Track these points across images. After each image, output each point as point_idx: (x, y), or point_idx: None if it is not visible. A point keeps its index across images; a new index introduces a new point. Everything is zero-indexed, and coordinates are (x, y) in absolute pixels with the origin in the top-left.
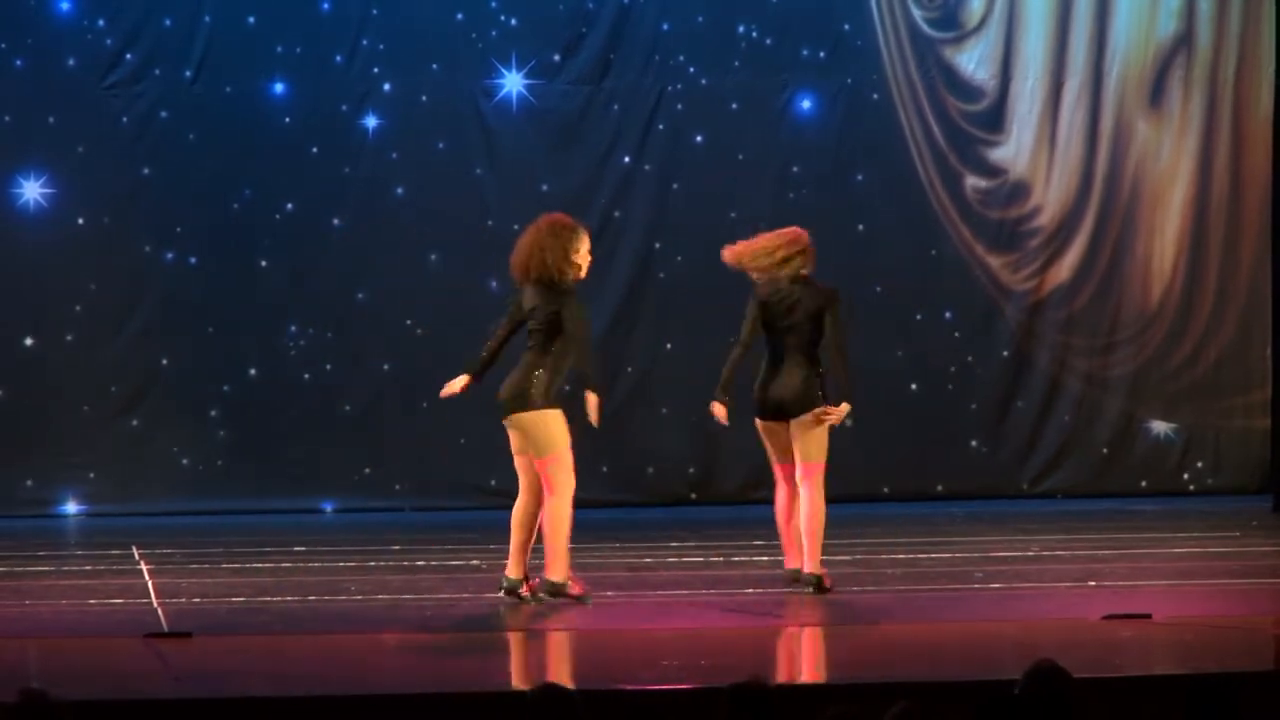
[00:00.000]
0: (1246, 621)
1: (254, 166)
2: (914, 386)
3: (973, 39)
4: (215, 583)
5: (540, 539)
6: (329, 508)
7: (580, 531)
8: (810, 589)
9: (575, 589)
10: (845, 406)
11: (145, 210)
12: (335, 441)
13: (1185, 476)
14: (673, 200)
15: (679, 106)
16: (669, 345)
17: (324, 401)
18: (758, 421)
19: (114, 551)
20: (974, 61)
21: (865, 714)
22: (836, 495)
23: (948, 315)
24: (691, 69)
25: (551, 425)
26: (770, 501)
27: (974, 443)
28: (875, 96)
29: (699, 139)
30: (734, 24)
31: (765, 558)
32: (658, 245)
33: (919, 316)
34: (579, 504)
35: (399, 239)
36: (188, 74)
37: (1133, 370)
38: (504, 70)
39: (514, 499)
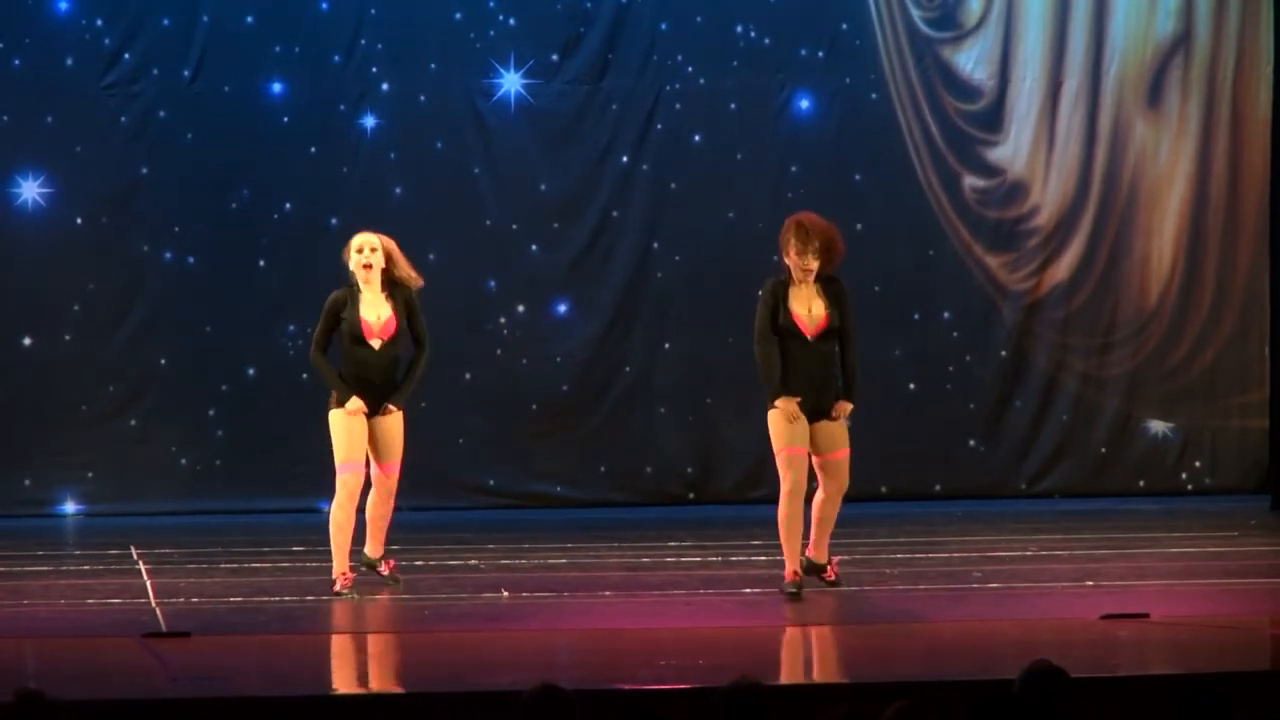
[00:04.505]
0: (1244, 621)
1: (252, 166)
2: (912, 386)
3: (971, 39)
4: (213, 582)
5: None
6: (327, 507)
7: (578, 531)
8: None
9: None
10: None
11: (143, 210)
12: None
13: (1183, 476)
14: (671, 200)
15: (677, 106)
16: (667, 345)
17: (322, 401)
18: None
19: (112, 551)
20: (972, 61)
21: (872, 713)
22: None
23: (946, 315)
24: (689, 69)
25: None
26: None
27: (972, 442)
28: (873, 96)
29: (697, 139)
30: (732, 24)
31: (763, 557)
32: (656, 245)
33: (917, 316)
34: (577, 503)
35: (397, 239)
36: (186, 74)
37: (1130, 370)
38: (502, 70)
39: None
